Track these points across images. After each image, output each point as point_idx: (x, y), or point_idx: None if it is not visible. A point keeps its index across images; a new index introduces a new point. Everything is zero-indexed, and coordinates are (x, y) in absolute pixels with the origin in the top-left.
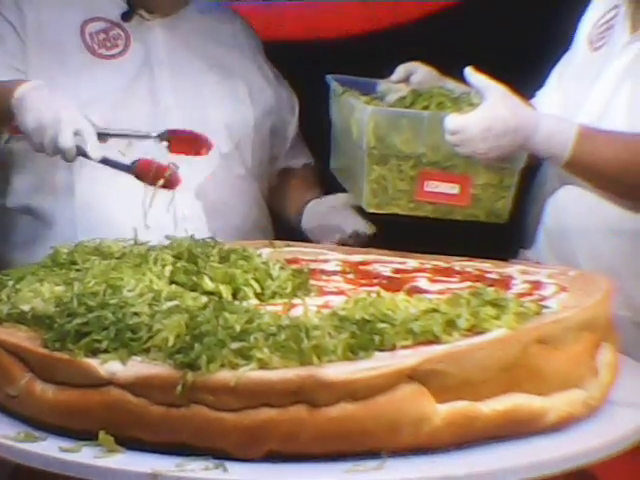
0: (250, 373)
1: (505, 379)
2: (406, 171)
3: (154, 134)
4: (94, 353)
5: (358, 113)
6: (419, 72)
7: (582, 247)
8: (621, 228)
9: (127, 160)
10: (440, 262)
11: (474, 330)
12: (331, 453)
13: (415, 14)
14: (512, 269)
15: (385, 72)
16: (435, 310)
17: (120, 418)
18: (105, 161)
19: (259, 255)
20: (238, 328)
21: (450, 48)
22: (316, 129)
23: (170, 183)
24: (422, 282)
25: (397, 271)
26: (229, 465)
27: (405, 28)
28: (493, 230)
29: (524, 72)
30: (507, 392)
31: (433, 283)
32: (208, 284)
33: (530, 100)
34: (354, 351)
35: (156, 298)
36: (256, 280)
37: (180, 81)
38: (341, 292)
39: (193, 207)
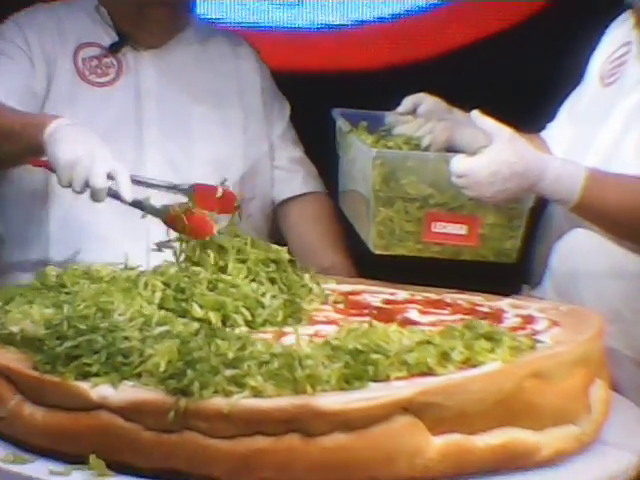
0: (244, 401)
1: (500, 413)
2: (413, 212)
3: (185, 186)
4: (85, 377)
5: (363, 155)
6: (426, 103)
7: (587, 288)
8: (627, 270)
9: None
10: (431, 294)
11: (468, 363)
12: None
13: (427, 52)
14: (503, 302)
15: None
16: (429, 342)
17: (111, 443)
18: (136, 203)
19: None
20: (231, 355)
21: (463, 84)
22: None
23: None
24: (413, 313)
25: (387, 302)
26: None
27: (415, 66)
28: (496, 266)
29: (536, 104)
30: (501, 426)
31: (424, 315)
32: (197, 311)
33: (540, 132)
34: (348, 381)
35: (147, 323)
36: (247, 308)
37: (167, 114)
38: (332, 321)
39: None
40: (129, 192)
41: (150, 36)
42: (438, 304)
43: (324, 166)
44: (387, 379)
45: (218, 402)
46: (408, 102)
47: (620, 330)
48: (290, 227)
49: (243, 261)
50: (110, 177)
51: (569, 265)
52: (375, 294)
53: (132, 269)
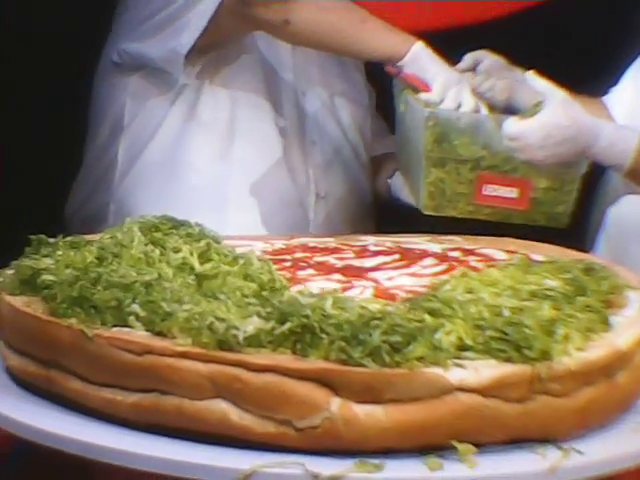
0: (578, 356)
1: None
2: (464, 174)
3: None
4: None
5: (416, 114)
6: (486, 60)
7: None
8: None
9: None
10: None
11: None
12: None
13: (493, 13)
14: (389, 239)
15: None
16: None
17: (471, 425)
18: None
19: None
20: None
21: (527, 45)
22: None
23: None
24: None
25: (276, 253)
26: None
27: (479, 26)
28: (549, 231)
29: (601, 68)
30: None
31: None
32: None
33: (603, 97)
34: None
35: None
36: None
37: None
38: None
39: (330, 186)
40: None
41: None
42: (332, 250)
43: None
44: None
45: (564, 361)
46: (469, 59)
47: None
48: None
49: None
50: None
51: (622, 230)
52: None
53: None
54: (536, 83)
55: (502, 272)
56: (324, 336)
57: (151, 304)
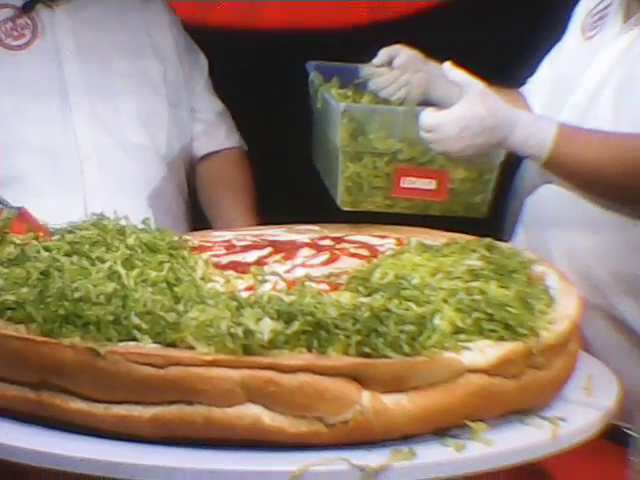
0: (553, 328)
1: None
2: (381, 168)
3: (10, 204)
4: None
5: (332, 109)
6: (402, 55)
7: (558, 244)
8: (598, 227)
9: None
10: None
11: None
12: None
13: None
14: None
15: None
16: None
17: (482, 403)
18: None
19: None
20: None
21: (446, 37)
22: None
23: None
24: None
25: None
26: None
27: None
28: (470, 223)
29: (516, 59)
30: None
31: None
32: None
33: (520, 87)
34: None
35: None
36: None
37: (89, 71)
38: None
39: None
40: None
41: None
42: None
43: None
44: None
45: (545, 335)
46: (384, 54)
47: (590, 286)
48: (201, 184)
49: None
50: None
51: (539, 219)
52: None
53: None
54: (453, 74)
55: (418, 256)
56: (339, 332)
57: (149, 315)
